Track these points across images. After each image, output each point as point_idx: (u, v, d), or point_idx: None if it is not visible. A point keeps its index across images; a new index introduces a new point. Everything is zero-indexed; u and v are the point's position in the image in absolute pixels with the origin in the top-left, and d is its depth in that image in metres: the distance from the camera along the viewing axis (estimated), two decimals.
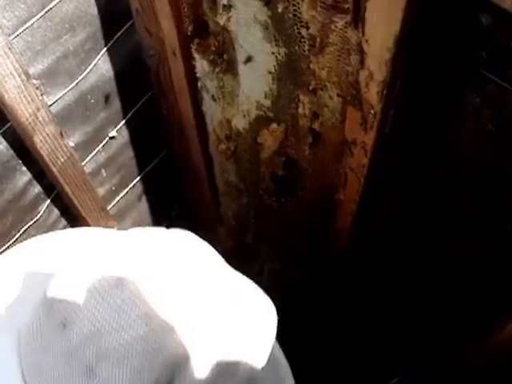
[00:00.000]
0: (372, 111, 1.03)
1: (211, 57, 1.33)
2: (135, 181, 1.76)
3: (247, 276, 1.32)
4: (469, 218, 1.25)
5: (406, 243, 1.49)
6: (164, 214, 2.01)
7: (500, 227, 1.19)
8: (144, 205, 1.88)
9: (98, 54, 1.36)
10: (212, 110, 1.48)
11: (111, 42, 1.37)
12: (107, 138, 1.54)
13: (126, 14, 1.37)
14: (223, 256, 2.00)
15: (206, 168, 1.68)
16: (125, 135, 1.60)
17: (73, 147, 1.38)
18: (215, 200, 1.81)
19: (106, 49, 1.37)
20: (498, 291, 1.34)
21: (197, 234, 2.10)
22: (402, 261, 1.58)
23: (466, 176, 1.21)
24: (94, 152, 1.52)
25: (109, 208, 1.69)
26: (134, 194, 1.80)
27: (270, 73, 1.21)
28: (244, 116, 1.38)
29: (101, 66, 1.38)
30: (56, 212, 1.52)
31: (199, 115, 1.52)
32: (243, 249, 1.96)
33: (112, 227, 1.68)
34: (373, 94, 1.00)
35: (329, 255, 1.53)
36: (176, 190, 1.99)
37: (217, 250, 2.00)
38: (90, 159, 1.52)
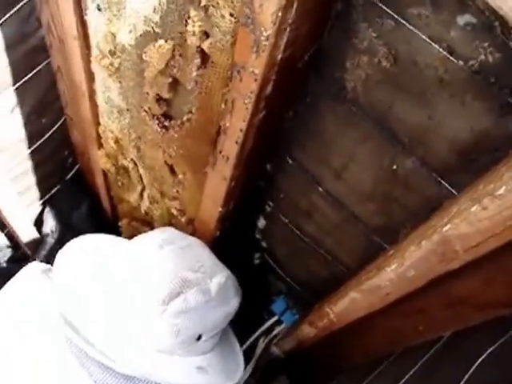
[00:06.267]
0: (265, 34, 0.96)
1: None
2: (9, 90, 1.64)
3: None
4: None
5: None
6: (39, 129, 1.90)
7: None
8: (17, 117, 1.75)
9: None
10: (96, 22, 1.36)
11: None
12: None
13: None
14: (101, 177, 1.91)
15: (87, 84, 1.57)
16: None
17: None
18: (95, 119, 1.70)
19: None
20: None
21: (74, 153, 1.99)
22: None
23: None
24: None
25: None
26: (6, 105, 1.68)
27: None
28: (130, 31, 1.28)
29: None
30: None
31: (83, 26, 1.41)
32: (122, 172, 1.88)
33: None
34: (267, 14, 0.93)
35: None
36: (53, 106, 1.87)
37: (93, 172, 1.91)
38: None
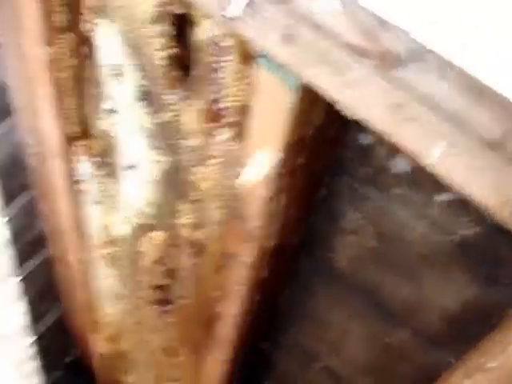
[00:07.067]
0: (254, 224, 1.01)
1: (94, 160, 1.30)
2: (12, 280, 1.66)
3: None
4: None
5: None
6: (37, 320, 1.91)
7: None
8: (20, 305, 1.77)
9: None
10: (93, 214, 1.42)
11: None
12: None
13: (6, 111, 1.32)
14: (99, 360, 1.89)
15: (85, 272, 1.60)
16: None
17: None
18: (93, 305, 1.72)
19: None
20: None
21: (72, 341, 1.99)
22: None
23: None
24: None
25: None
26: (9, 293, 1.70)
27: (152, 180, 1.18)
28: (125, 222, 1.33)
29: None
30: None
31: (80, 218, 1.46)
32: (120, 357, 1.87)
33: None
34: (255, 207, 0.98)
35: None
36: (53, 295, 1.89)
37: (91, 356, 1.89)
38: None
